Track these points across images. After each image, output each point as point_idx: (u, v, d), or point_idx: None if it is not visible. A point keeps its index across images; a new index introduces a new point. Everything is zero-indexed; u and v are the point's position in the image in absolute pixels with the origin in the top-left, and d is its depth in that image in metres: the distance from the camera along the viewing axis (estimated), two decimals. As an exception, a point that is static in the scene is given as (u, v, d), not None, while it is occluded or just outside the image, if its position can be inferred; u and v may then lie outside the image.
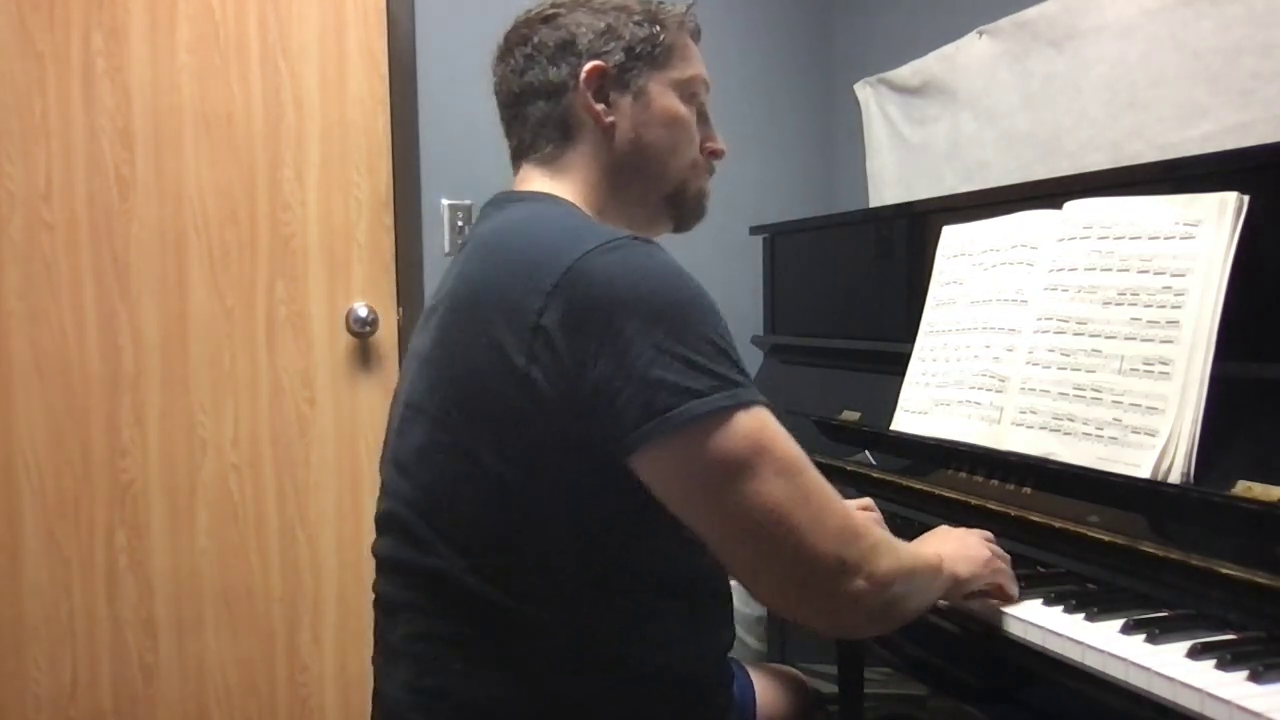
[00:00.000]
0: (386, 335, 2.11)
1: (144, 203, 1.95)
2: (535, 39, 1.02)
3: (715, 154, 1.09)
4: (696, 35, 1.08)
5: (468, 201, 2.21)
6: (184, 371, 1.98)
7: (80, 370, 1.92)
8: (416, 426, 0.92)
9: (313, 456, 2.08)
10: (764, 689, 1.17)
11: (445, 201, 2.20)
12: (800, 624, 0.86)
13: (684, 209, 1.08)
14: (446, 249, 2.20)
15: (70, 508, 1.92)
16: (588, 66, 0.99)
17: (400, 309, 2.14)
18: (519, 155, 1.05)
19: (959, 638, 1.04)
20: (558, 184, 1.01)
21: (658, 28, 1.03)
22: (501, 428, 0.84)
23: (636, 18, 1.02)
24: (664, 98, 1.03)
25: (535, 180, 1.02)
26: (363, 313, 2.07)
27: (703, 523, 0.83)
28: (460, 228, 2.21)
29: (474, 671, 0.87)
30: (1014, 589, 1.01)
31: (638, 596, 0.90)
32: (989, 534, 1.05)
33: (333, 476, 2.09)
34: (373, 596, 1.00)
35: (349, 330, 2.07)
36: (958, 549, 0.99)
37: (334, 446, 2.09)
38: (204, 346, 1.99)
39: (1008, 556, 1.03)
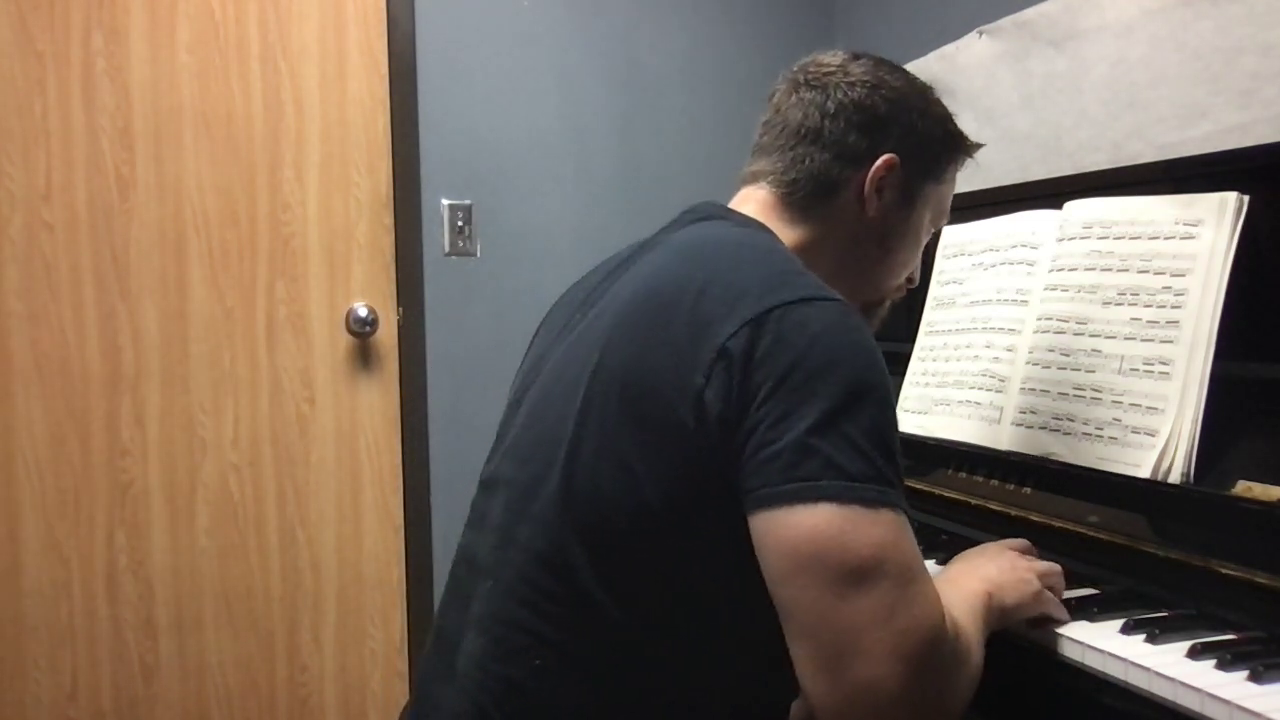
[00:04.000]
0: (386, 335, 2.12)
1: (144, 203, 1.95)
2: (854, 95, 0.99)
3: (911, 282, 1.09)
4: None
5: (468, 201, 2.21)
6: (184, 371, 1.98)
7: (80, 370, 1.92)
8: (565, 402, 0.88)
9: (313, 456, 2.08)
10: None
11: (445, 201, 2.20)
12: None
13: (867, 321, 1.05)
14: (446, 249, 2.20)
15: (70, 508, 1.92)
16: (886, 157, 0.98)
17: (400, 309, 2.14)
18: (766, 179, 1.01)
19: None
20: (784, 229, 0.98)
21: (949, 156, 1.04)
22: (656, 435, 0.82)
23: (944, 140, 1.03)
24: (923, 217, 1.03)
25: (762, 209, 1.00)
26: (363, 313, 2.07)
27: (791, 600, 0.77)
28: (460, 228, 2.20)
29: (553, 671, 0.84)
30: (1062, 614, 0.95)
31: (732, 633, 0.86)
32: (1027, 543, 1.02)
33: (333, 476, 2.09)
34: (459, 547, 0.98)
35: (349, 330, 2.07)
36: (1006, 577, 0.93)
37: (334, 446, 2.09)
38: (204, 346, 1.99)
39: (1058, 568, 0.98)
